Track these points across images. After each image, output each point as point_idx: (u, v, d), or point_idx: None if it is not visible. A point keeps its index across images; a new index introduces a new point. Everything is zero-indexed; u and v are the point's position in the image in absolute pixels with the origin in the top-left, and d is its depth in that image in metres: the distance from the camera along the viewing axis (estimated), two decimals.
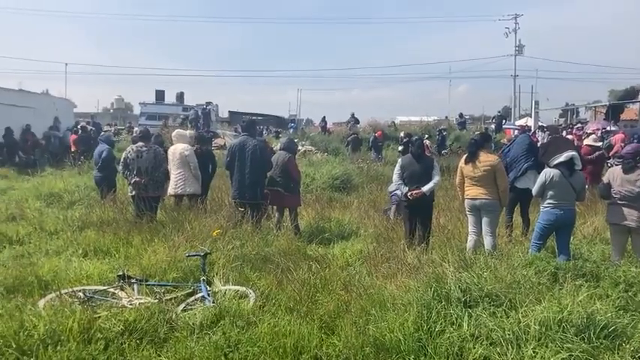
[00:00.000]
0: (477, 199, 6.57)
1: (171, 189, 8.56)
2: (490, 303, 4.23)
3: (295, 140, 11.76)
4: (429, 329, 4.03)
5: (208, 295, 4.87)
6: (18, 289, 5.12)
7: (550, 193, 6.16)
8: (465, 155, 6.82)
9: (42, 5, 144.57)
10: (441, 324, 4.05)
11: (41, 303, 4.59)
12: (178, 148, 8.70)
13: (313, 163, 16.78)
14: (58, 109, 25.15)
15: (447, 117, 40.23)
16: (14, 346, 3.77)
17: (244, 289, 5.07)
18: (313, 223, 8.48)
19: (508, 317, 4.03)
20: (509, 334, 3.81)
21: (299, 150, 19.32)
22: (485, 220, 6.56)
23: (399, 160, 7.55)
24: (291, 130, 30.99)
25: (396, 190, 9.46)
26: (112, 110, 64.37)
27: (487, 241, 6.48)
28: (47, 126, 21.64)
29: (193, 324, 4.27)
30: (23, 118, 20.11)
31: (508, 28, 44.14)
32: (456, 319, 4.08)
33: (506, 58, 45.84)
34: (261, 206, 7.96)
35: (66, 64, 50.76)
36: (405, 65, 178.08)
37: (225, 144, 22.32)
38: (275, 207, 8.39)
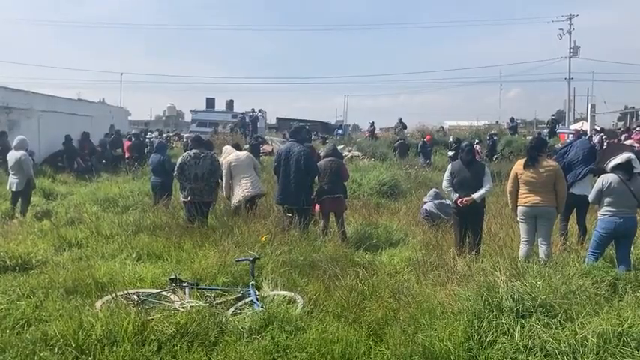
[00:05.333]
0: (536, 206, 6.30)
1: (244, 192, 8.67)
2: (544, 313, 4.10)
3: (341, 147, 11.77)
4: (480, 339, 3.94)
5: (257, 299, 4.92)
6: (76, 290, 5.32)
7: (608, 200, 5.92)
8: (524, 160, 6.54)
9: (98, 18, 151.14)
10: (493, 334, 3.96)
11: (98, 304, 4.76)
12: (242, 155, 9.03)
13: (360, 169, 16.75)
14: (114, 117, 26.21)
15: (497, 122, 39.41)
16: (73, 344, 3.94)
17: (292, 294, 5.10)
18: (360, 230, 8.45)
19: (563, 329, 3.89)
20: (564, 346, 3.68)
21: (345, 156, 19.35)
22: (541, 228, 6.34)
23: (449, 165, 7.44)
24: (338, 136, 31.04)
25: (425, 205, 9.45)
26: (164, 118, 66.32)
27: (542, 249, 6.26)
28: (104, 134, 22.56)
29: (242, 328, 4.33)
30: (82, 126, 21.05)
31: (562, 29, 42.93)
32: (508, 329, 3.97)
33: (560, 61, 44.60)
34: (308, 212, 8.01)
35: (121, 74, 52.47)
36: (453, 69, 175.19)
37: (273, 150, 22.62)
38: (321, 213, 8.41)
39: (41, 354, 3.82)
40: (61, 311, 4.61)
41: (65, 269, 5.96)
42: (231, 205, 8.79)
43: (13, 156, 10.15)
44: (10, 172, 10.21)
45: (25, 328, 4.38)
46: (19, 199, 10.17)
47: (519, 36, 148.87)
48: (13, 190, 10.10)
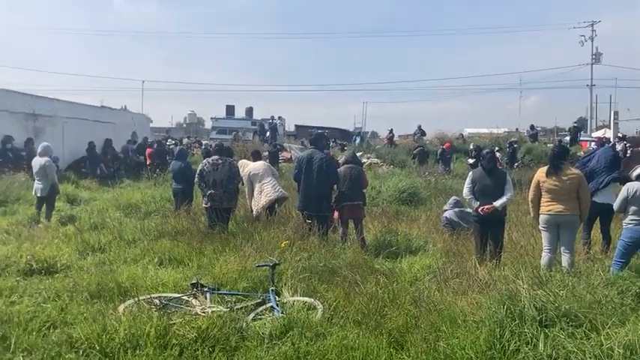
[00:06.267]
0: (560, 214, 6.22)
1: (267, 197, 8.78)
2: (568, 323, 4.04)
3: (359, 154, 11.77)
4: (503, 348, 3.90)
5: (277, 305, 4.93)
6: (100, 294, 5.40)
7: (633, 208, 5.83)
8: (547, 168, 6.48)
9: (119, 27, 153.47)
10: (515, 343, 3.91)
11: (121, 308, 4.83)
12: (259, 164, 9.16)
13: (379, 176, 16.72)
14: (136, 124, 26.56)
15: (517, 129, 39.00)
16: (97, 348, 4.00)
17: (312, 300, 5.10)
18: (380, 237, 8.42)
19: (589, 339, 3.83)
20: (590, 358, 3.62)
21: (364, 162, 19.34)
22: (564, 237, 6.26)
23: (470, 173, 7.40)
24: (357, 143, 31.03)
25: (446, 213, 9.41)
26: (184, 125, 67.00)
27: (565, 258, 6.18)
28: (126, 140, 22.87)
29: (263, 334, 4.35)
30: (105, 132, 21.38)
31: (584, 36, 42.52)
32: (531, 339, 3.92)
33: (581, 68, 44.15)
34: (327, 219, 8.02)
35: (143, 82, 53.53)
36: (473, 76, 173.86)
37: (291, 157, 22.71)
38: (340, 220, 8.41)
39: (66, 356, 3.88)
40: (85, 315, 4.69)
41: (89, 273, 6.07)
42: (254, 213, 8.85)
43: (37, 162, 10.38)
44: (35, 177, 10.44)
45: (51, 331, 4.45)
46: (44, 204, 10.37)
47: (540, 42, 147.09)
48: (38, 195, 10.31)
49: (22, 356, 3.88)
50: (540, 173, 6.51)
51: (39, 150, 10.72)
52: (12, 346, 4.04)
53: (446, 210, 9.68)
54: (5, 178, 13.53)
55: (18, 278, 5.94)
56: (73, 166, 18.77)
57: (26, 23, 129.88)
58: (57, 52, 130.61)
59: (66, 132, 19.24)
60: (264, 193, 8.80)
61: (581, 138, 27.11)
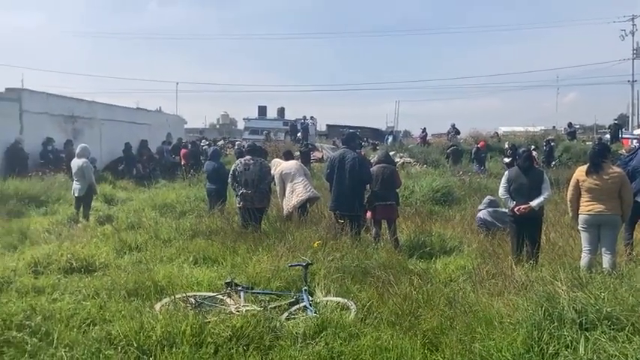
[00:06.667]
0: (600, 214, 6.05)
1: (298, 197, 8.82)
2: (610, 326, 3.91)
3: (392, 153, 11.69)
4: (541, 351, 3.81)
5: (310, 305, 4.93)
6: (137, 292, 5.50)
7: None
8: (586, 167, 6.30)
9: (155, 30, 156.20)
10: (554, 346, 3.81)
11: (157, 306, 4.91)
12: (291, 163, 9.22)
13: (412, 176, 16.59)
14: (171, 125, 27.06)
15: (554, 127, 38.12)
16: (135, 345, 4.07)
17: (345, 300, 5.08)
18: (413, 237, 8.35)
19: (631, 343, 3.70)
20: None
21: (397, 162, 19.24)
22: (605, 238, 6.07)
23: (506, 172, 7.26)
24: (389, 142, 30.84)
25: (480, 213, 9.24)
26: (218, 125, 67.67)
27: (607, 259, 5.99)
28: (161, 141, 23.31)
29: (297, 333, 4.35)
30: (140, 134, 21.85)
31: (624, 30, 41.17)
32: (571, 342, 3.81)
33: (622, 63, 42.73)
34: (360, 218, 8.00)
35: (177, 83, 54.45)
36: (507, 74, 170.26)
37: (323, 157, 22.74)
38: (373, 220, 8.37)
39: (105, 352, 3.97)
40: (123, 312, 4.79)
41: (126, 272, 6.19)
42: (284, 212, 8.89)
43: (75, 163, 10.69)
44: (74, 178, 10.74)
45: (91, 328, 4.55)
46: (82, 204, 10.66)
47: (577, 37, 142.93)
48: (76, 195, 10.62)
49: (64, 351, 3.98)
50: (580, 172, 6.34)
51: (77, 151, 11.04)
52: (55, 341, 4.16)
53: (480, 210, 9.53)
54: (46, 179, 13.96)
55: (59, 276, 6.10)
56: (110, 166, 19.25)
57: (61, 27, 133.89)
58: (94, 56, 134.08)
59: (103, 133, 19.76)
60: (295, 193, 8.84)
61: (623, 135, 26.25)
